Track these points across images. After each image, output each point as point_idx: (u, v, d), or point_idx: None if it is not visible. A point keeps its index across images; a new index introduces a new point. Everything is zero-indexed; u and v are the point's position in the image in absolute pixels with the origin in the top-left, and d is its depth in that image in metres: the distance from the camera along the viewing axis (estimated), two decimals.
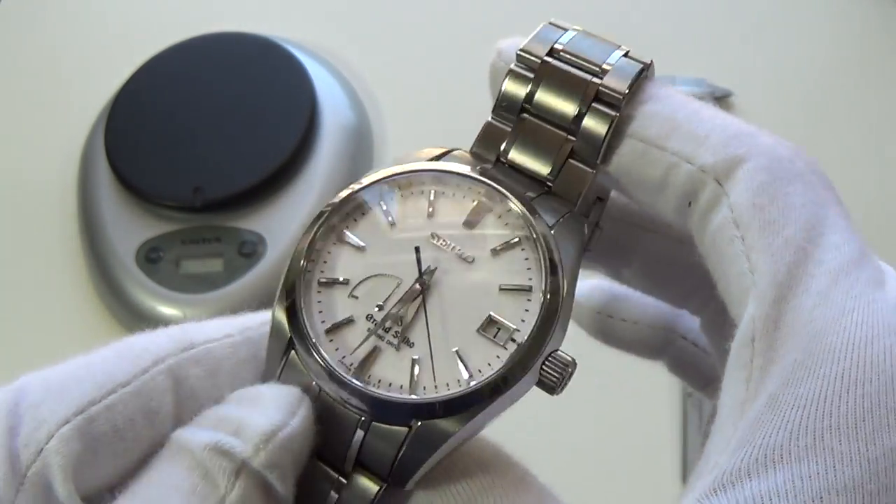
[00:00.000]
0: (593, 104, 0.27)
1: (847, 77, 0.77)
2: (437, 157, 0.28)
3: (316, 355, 0.25)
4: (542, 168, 0.28)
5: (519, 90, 0.28)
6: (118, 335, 0.25)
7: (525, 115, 0.28)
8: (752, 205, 0.25)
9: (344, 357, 0.25)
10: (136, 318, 0.64)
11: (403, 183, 0.27)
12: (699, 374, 0.34)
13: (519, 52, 0.28)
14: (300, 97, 0.69)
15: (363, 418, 0.24)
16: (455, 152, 0.29)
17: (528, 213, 0.26)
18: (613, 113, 0.27)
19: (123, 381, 0.24)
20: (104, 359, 0.25)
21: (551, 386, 0.25)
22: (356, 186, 0.27)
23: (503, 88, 0.28)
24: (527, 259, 0.26)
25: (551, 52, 0.28)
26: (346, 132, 0.70)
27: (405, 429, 0.24)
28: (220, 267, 0.64)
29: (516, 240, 0.26)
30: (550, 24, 0.29)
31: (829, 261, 0.24)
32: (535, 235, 0.26)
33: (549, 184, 0.28)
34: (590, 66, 0.27)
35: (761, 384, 0.23)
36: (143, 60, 0.73)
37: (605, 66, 0.27)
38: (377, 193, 0.27)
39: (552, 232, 0.26)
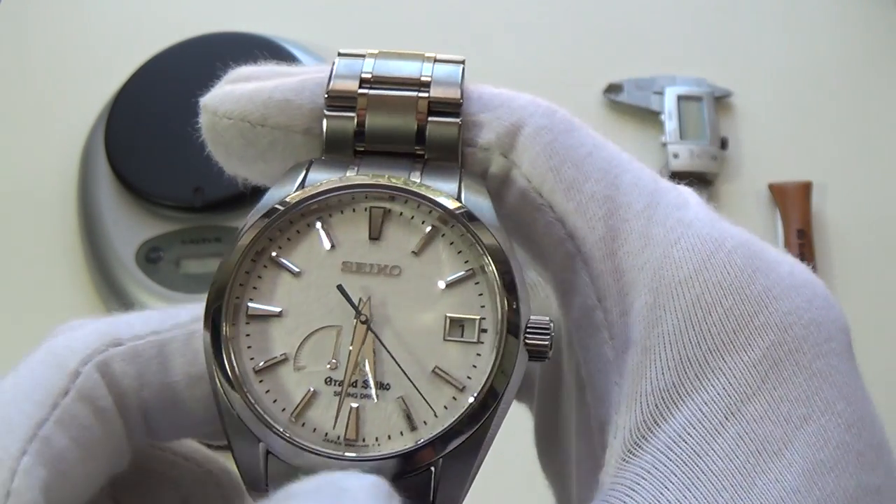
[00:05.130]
0: (430, 118, 0.25)
1: (847, 77, 0.77)
2: (302, 182, 0.25)
3: (296, 448, 0.22)
4: (407, 129, 0.25)
5: (345, 127, 0.25)
6: None
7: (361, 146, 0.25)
8: (549, 169, 0.24)
9: (326, 434, 0.23)
10: None
11: (284, 226, 0.24)
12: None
13: (328, 95, 0.25)
14: None
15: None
16: (312, 167, 0.25)
17: (426, 195, 0.24)
18: (457, 121, 0.25)
19: (61, 389, 0.23)
20: (32, 373, 0.23)
21: (543, 352, 0.23)
22: (239, 245, 0.24)
23: (326, 131, 0.25)
24: (452, 244, 0.24)
25: (363, 83, 0.25)
26: None
27: (429, 471, 0.22)
28: None
29: (429, 229, 0.24)
30: (341, 54, 0.26)
31: (635, 201, 0.24)
32: (445, 214, 0.24)
33: (419, 152, 0.25)
34: (410, 82, 0.25)
35: (624, 337, 0.23)
36: (143, 60, 0.73)
37: (423, 79, 0.25)
38: (265, 248, 0.24)
39: (462, 199, 0.24)
